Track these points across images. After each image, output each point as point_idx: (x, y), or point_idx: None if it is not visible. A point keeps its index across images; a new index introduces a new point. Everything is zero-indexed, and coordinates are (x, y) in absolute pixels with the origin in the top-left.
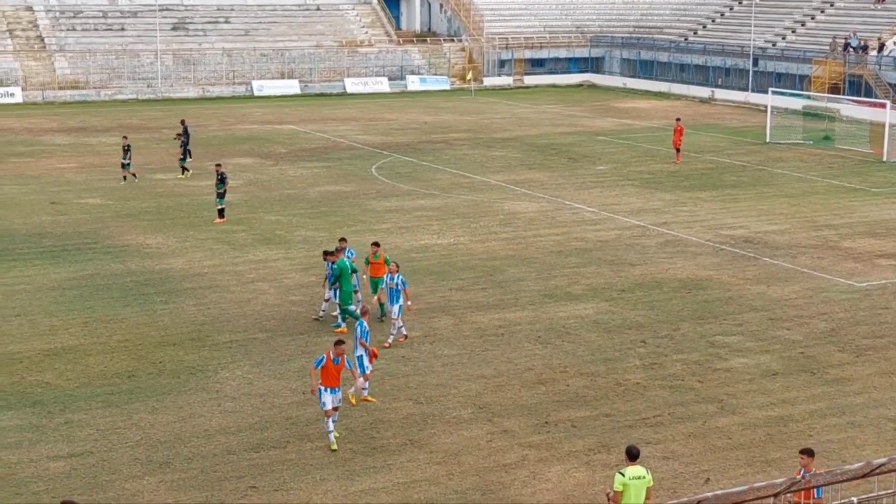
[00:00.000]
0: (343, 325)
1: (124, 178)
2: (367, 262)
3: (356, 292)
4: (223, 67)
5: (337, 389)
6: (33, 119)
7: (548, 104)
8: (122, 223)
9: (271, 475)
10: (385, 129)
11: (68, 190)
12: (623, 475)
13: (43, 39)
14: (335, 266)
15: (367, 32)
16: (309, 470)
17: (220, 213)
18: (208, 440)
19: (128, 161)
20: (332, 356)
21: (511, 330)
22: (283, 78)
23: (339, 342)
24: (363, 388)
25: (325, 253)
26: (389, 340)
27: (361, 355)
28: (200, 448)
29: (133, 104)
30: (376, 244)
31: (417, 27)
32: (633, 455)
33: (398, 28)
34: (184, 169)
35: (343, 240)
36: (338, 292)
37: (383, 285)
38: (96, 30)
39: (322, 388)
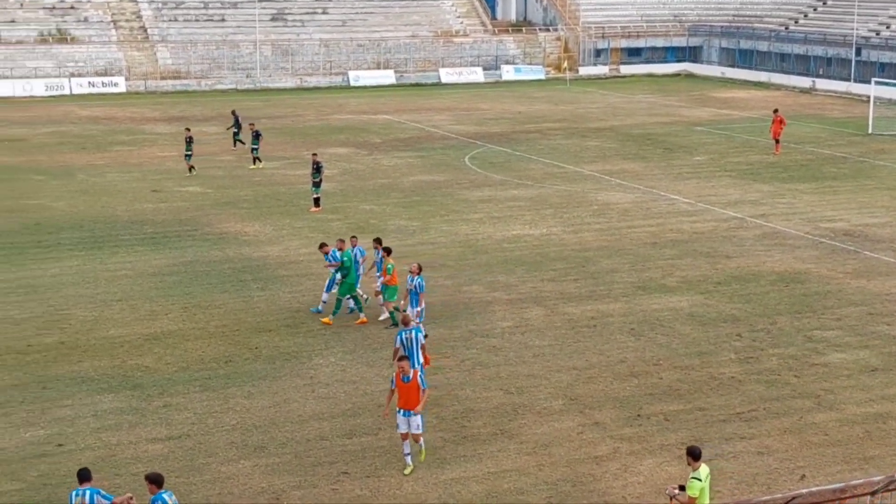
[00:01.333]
0: (362, 314)
1: (190, 168)
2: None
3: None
4: (320, 58)
5: (411, 412)
6: (136, 108)
7: (644, 94)
8: (220, 211)
9: (363, 461)
10: (479, 118)
11: (169, 178)
12: (700, 480)
13: (146, 30)
14: (344, 257)
15: (462, 22)
16: (400, 457)
17: (316, 202)
18: (302, 426)
19: (189, 153)
20: (400, 374)
21: (604, 322)
22: (378, 68)
23: (403, 357)
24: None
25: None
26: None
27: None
28: (294, 433)
29: (232, 94)
30: (388, 250)
31: (513, 17)
32: (697, 455)
33: (493, 18)
34: (256, 159)
35: (354, 237)
36: (337, 283)
37: (409, 285)
38: (197, 20)
39: (397, 409)
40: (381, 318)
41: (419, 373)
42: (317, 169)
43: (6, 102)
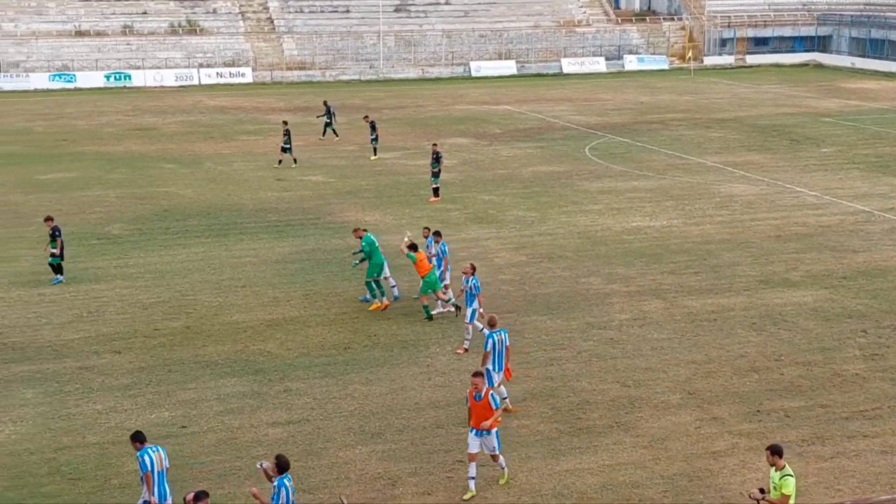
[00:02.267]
0: (376, 300)
1: (285, 161)
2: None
3: (445, 287)
4: (442, 48)
5: (483, 432)
6: (262, 98)
7: (770, 84)
8: (342, 200)
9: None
10: (600, 109)
11: (293, 168)
12: (793, 476)
13: (272, 22)
14: (363, 243)
15: (585, 12)
16: (515, 447)
17: (435, 191)
18: (418, 413)
19: (288, 145)
20: (472, 392)
21: (724, 315)
22: (500, 59)
23: (477, 374)
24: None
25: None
26: (465, 346)
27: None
28: (411, 420)
29: (355, 84)
30: (413, 247)
31: (636, 6)
32: (783, 452)
33: (617, 7)
34: (375, 150)
35: (437, 232)
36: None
37: (463, 286)
38: (322, 12)
39: (469, 427)
40: (435, 311)
41: (491, 392)
42: (436, 159)
43: (138, 92)
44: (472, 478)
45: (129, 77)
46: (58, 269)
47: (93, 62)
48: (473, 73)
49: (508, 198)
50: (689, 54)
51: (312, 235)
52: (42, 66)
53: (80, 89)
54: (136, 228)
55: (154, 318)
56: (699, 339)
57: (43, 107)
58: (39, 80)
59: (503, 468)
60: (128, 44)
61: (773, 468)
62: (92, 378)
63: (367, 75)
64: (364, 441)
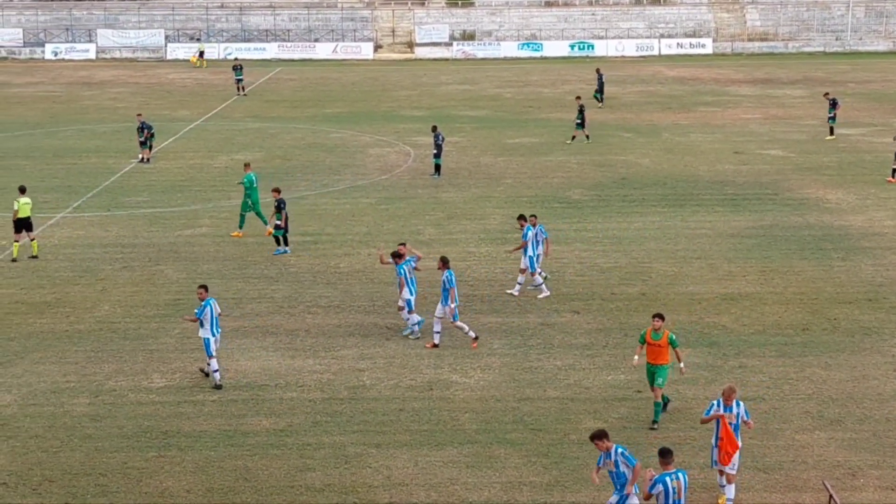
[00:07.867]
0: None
1: (580, 137)
2: (643, 342)
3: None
4: None
5: None
6: (721, 70)
7: None
8: (802, 176)
9: None
10: None
11: (751, 140)
12: None
13: None
14: (245, 181)
15: None
16: None
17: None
18: (881, 404)
19: (580, 121)
20: None
21: None
22: None
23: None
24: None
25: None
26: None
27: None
28: (873, 411)
29: (819, 57)
30: (660, 317)
31: None
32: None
33: None
34: (832, 129)
35: None
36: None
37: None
38: None
39: None
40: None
41: None
42: None
43: (600, 62)
44: None
45: (592, 47)
46: (280, 240)
47: (559, 32)
48: None
49: None
50: None
51: (770, 211)
52: (512, 35)
53: (546, 58)
54: (595, 194)
55: (611, 283)
56: None
57: (511, 74)
58: (509, 49)
59: None
60: (593, 14)
61: None
62: (553, 335)
63: (833, 47)
64: (822, 426)
